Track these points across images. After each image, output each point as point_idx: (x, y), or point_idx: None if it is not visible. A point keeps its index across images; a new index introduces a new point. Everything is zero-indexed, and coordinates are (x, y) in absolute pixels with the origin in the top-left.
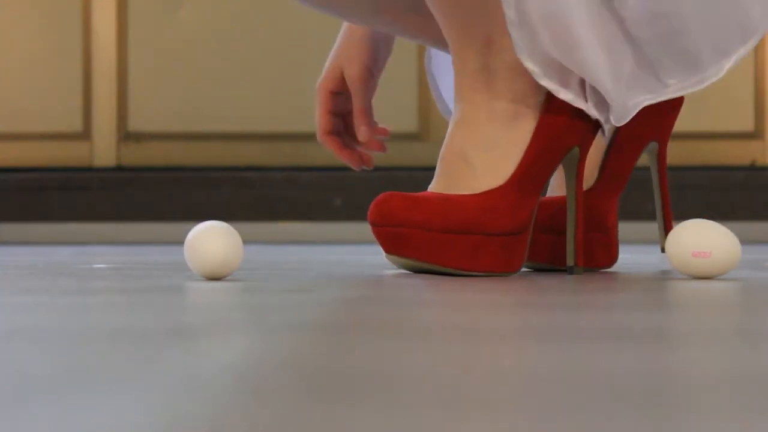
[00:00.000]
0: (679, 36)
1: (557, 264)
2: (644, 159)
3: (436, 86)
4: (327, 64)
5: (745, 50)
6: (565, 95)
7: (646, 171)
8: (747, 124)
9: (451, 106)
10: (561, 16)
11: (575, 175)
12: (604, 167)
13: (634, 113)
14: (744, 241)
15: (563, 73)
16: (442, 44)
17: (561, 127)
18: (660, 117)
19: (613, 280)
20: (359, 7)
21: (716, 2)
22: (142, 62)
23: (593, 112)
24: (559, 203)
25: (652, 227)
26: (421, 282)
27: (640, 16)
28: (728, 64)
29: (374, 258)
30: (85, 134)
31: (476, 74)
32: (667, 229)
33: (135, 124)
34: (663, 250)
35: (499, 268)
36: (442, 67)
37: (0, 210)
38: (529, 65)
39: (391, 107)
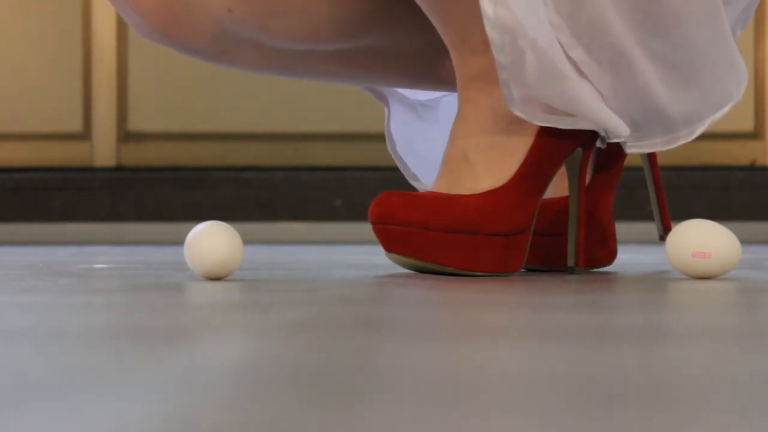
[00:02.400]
0: (651, 109)
1: (553, 264)
2: (638, 158)
3: (408, 168)
4: None
5: (719, 115)
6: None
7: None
8: (747, 124)
9: (426, 180)
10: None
11: (578, 176)
12: (597, 164)
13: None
14: (744, 241)
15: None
16: (386, 82)
17: (564, 129)
18: None
19: (613, 280)
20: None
21: (687, 83)
22: (142, 62)
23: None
24: (554, 206)
25: (652, 227)
26: (421, 282)
27: (616, 94)
28: (701, 128)
29: (374, 258)
30: (85, 134)
31: (479, 76)
32: (663, 214)
33: (135, 124)
34: (661, 237)
35: (499, 268)
36: (408, 149)
37: (0, 210)
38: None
39: None
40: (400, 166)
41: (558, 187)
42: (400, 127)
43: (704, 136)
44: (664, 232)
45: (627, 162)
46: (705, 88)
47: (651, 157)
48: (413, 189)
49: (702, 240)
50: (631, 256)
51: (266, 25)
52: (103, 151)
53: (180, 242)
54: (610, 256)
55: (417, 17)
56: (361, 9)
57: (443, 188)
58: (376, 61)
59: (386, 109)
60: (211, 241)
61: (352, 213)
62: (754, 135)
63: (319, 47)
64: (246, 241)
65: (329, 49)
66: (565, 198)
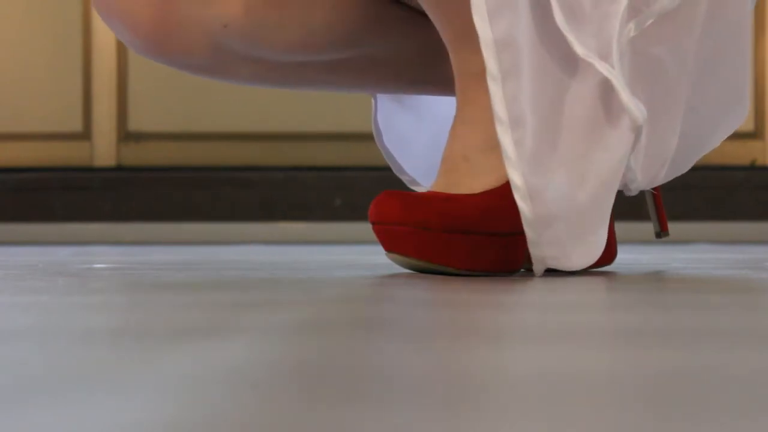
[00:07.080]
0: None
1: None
2: None
3: (395, 160)
4: None
5: (697, 158)
6: None
7: None
8: (747, 124)
9: (414, 174)
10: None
11: None
12: None
13: None
14: (744, 241)
15: None
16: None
17: None
18: None
19: (613, 280)
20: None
21: (683, 134)
22: (142, 62)
23: None
24: None
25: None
26: (421, 282)
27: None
28: (679, 173)
29: (374, 258)
30: (85, 134)
31: (479, 75)
32: (659, 213)
33: (135, 124)
34: (658, 236)
35: (499, 268)
36: (394, 141)
37: (0, 210)
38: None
39: None
40: (386, 157)
41: None
42: (387, 119)
43: None
44: (661, 230)
45: None
46: (694, 143)
47: None
48: (413, 189)
49: None
50: (631, 256)
51: (262, 39)
52: (103, 151)
53: (180, 242)
54: (611, 257)
55: (410, 22)
56: (356, 17)
57: (442, 188)
58: (370, 68)
59: (373, 101)
60: None
61: (352, 213)
62: (754, 135)
63: (315, 58)
64: (246, 241)
65: (325, 59)
66: None
